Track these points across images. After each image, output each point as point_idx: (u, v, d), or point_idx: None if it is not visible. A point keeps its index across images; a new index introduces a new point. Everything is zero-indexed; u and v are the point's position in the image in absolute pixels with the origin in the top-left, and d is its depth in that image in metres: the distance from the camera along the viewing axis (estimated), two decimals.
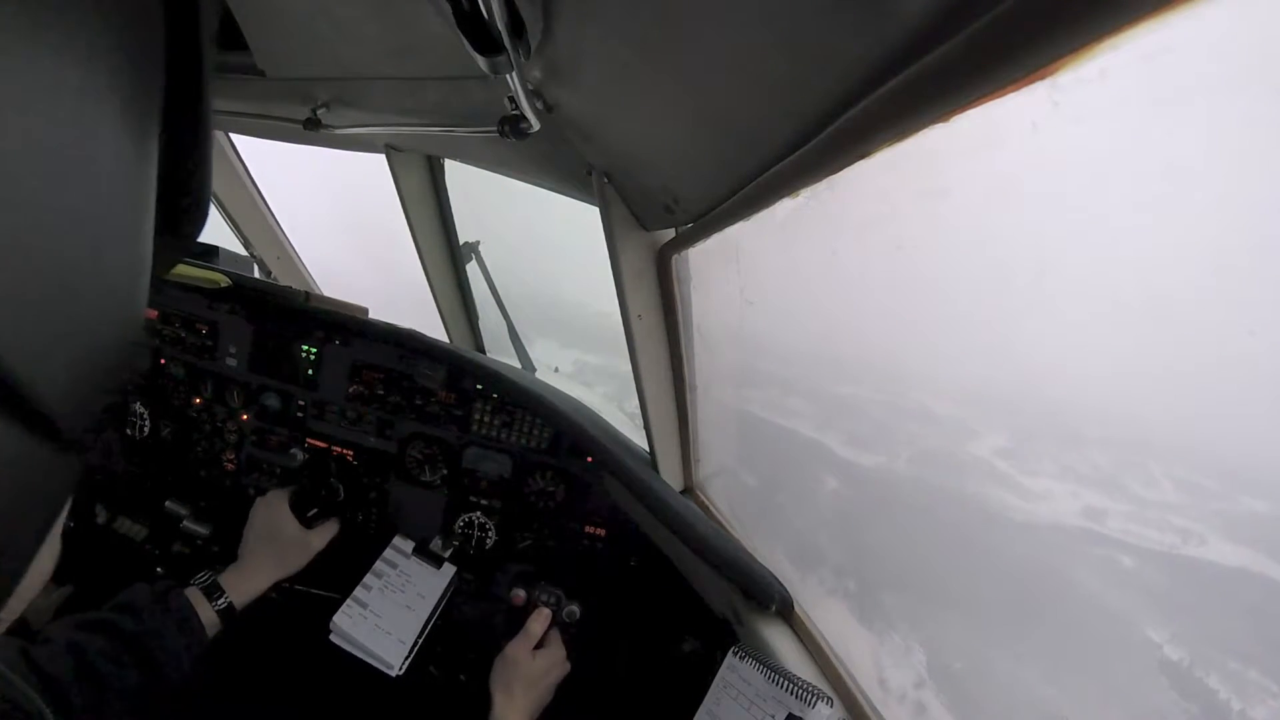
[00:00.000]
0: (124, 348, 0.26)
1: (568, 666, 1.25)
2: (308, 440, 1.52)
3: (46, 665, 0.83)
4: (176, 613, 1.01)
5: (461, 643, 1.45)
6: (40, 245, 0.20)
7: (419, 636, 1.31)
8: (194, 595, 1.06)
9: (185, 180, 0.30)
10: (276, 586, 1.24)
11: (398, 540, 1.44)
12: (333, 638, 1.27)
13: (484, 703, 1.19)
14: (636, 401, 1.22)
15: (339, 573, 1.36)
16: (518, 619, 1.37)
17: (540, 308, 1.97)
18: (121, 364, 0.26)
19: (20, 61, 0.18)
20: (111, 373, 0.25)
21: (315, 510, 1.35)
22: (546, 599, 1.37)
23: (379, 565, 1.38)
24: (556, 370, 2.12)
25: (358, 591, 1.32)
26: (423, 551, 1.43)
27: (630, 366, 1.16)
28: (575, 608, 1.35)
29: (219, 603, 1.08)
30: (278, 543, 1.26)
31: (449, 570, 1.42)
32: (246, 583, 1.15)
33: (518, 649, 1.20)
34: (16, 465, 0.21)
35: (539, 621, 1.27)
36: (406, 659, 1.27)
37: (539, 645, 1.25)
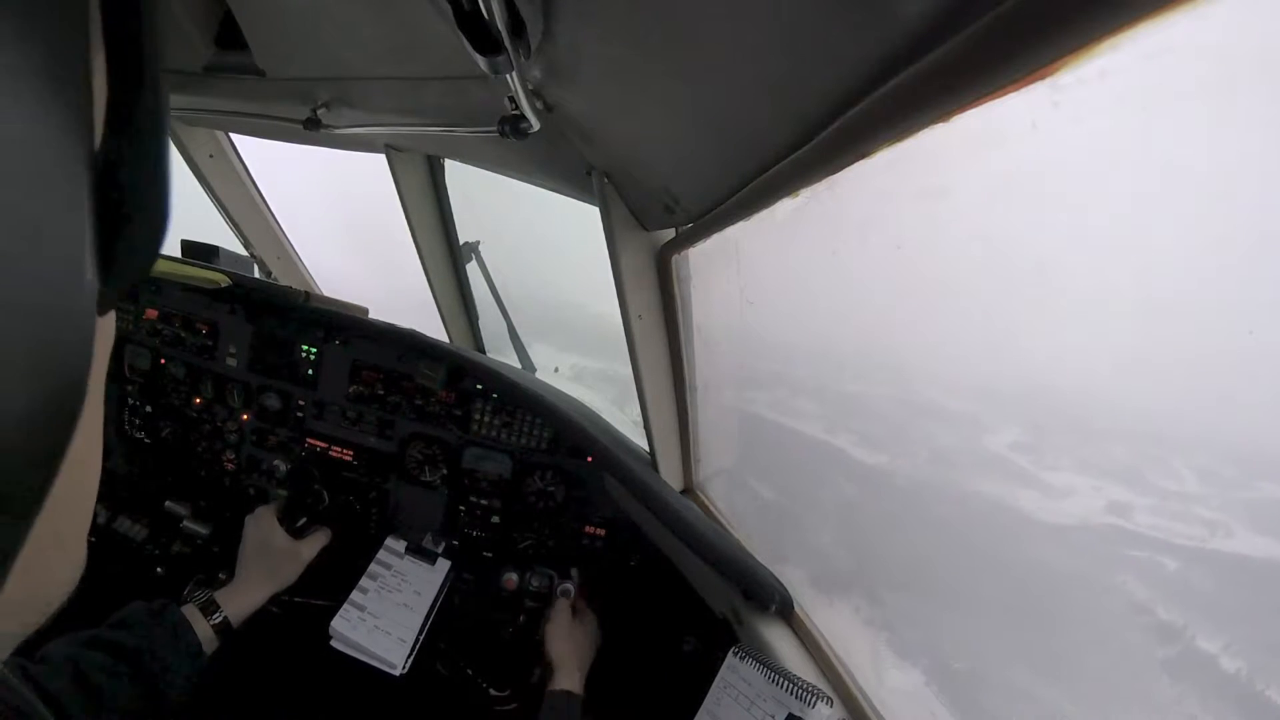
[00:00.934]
0: (58, 411, 0.22)
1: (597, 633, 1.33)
2: (307, 440, 1.52)
3: (45, 682, 0.83)
4: (173, 629, 1.01)
5: (465, 640, 1.46)
6: None
7: (419, 634, 1.31)
8: (190, 612, 1.06)
9: (128, 199, 0.25)
10: (275, 600, 1.24)
11: (390, 541, 1.44)
12: (333, 643, 1.27)
13: (488, 695, 1.26)
14: (637, 406, 1.22)
15: (335, 581, 1.36)
16: (514, 605, 1.38)
17: (537, 309, 1.96)
18: (57, 427, 0.23)
19: None
20: (41, 441, 0.22)
21: (304, 519, 1.35)
22: (539, 582, 1.38)
23: (373, 568, 1.38)
24: (556, 370, 2.13)
25: (354, 595, 1.32)
26: (416, 550, 1.43)
27: (630, 368, 1.16)
28: (570, 585, 1.36)
29: (215, 619, 1.08)
30: (269, 556, 1.26)
31: (444, 565, 1.42)
32: (242, 598, 1.15)
33: (560, 618, 1.31)
34: None
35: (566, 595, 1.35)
36: (409, 657, 1.27)
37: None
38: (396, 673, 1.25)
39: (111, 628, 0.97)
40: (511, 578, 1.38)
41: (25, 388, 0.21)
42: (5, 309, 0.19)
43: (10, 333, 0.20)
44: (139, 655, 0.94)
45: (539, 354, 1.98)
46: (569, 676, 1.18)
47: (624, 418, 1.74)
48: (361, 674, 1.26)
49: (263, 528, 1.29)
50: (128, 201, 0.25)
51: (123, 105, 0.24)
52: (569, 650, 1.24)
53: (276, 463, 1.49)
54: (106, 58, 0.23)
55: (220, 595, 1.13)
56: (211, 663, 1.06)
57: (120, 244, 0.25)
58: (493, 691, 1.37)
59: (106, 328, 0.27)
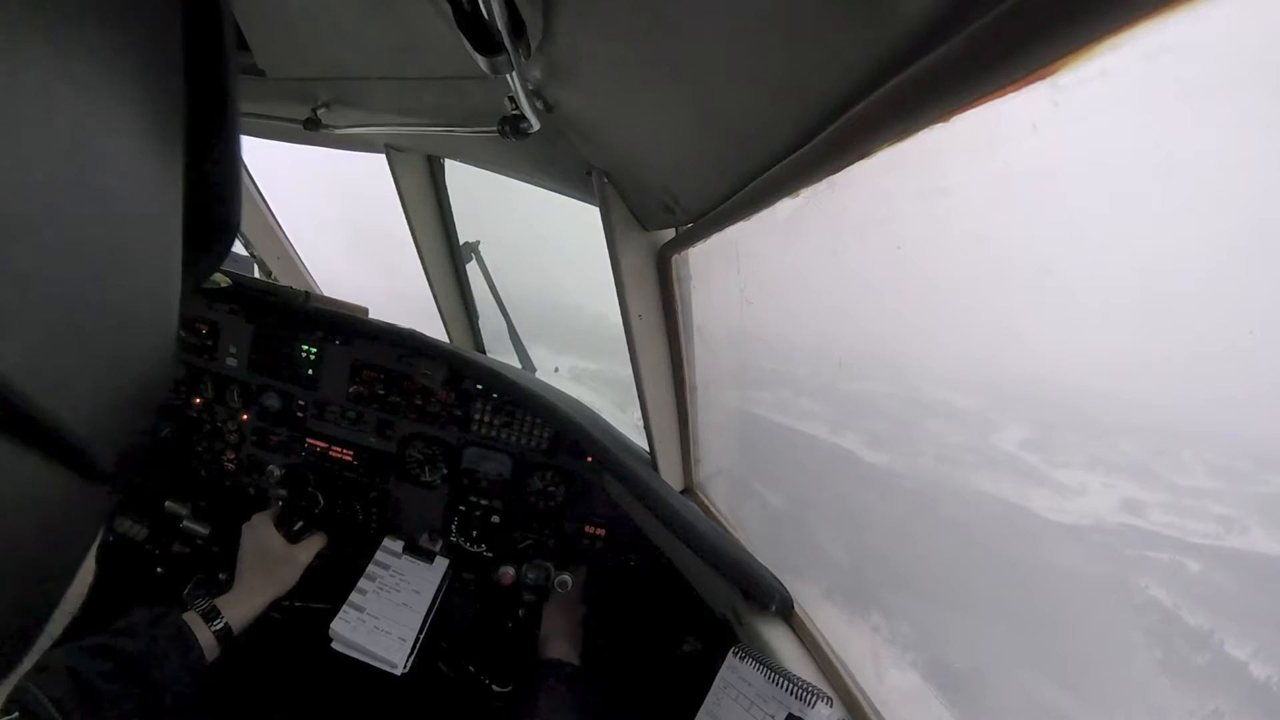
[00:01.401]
0: (156, 375, 0.25)
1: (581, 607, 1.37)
2: (307, 440, 1.52)
3: (47, 689, 0.83)
4: (174, 636, 1.01)
5: (466, 637, 1.46)
6: (66, 271, 0.19)
7: (419, 633, 1.31)
8: (191, 618, 1.07)
9: (212, 195, 0.28)
10: (275, 605, 1.24)
11: (387, 542, 1.44)
12: (334, 645, 1.27)
13: (490, 691, 1.30)
14: (636, 408, 1.22)
15: (335, 583, 1.36)
16: (512, 599, 1.38)
17: (534, 309, 1.96)
18: (153, 392, 0.25)
19: (31, 66, 0.17)
20: (143, 401, 0.25)
21: (300, 524, 1.36)
22: (535, 575, 1.38)
23: (371, 569, 1.39)
24: (556, 370, 2.12)
25: (353, 596, 1.32)
26: (413, 549, 1.44)
27: (630, 368, 1.16)
28: (567, 577, 1.36)
29: (216, 625, 1.09)
30: (267, 562, 1.27)
31: (442, 564, 1.42)
32: (242, 604, 1.16)
33: (557, 601, 1.36)
34: (48, 500, 0.20)
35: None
36: (410, 656, 1.27)
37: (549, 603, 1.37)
38: (398, 672, 1.25)
39: (112, 634, 0.98)
40: (508, 572, 1.38)
41: (132, 369, 0.23)
42: (122, 301, 0.22)
43: (124, 317, 0.22)
44: (140, 662, 0.94)
45: (536, 355, 1.98)
46: (558, 647, 1.21)
47: (624, 418, 1.74)
48: (363, 674, 1.26)
49: (259, 534, 1.30)
50: (210, 200, 0.28)
51: (204, 112, 0.26)
52: (561, 625, 1.28)
53: (271, 467, 1.49)
54: (186, 66, 0.25)
55: (221, 602, 1.14)
56: (213, 669, 1.06)
57: (200, 239, 0.27)
58: (495, 687, 1.37)
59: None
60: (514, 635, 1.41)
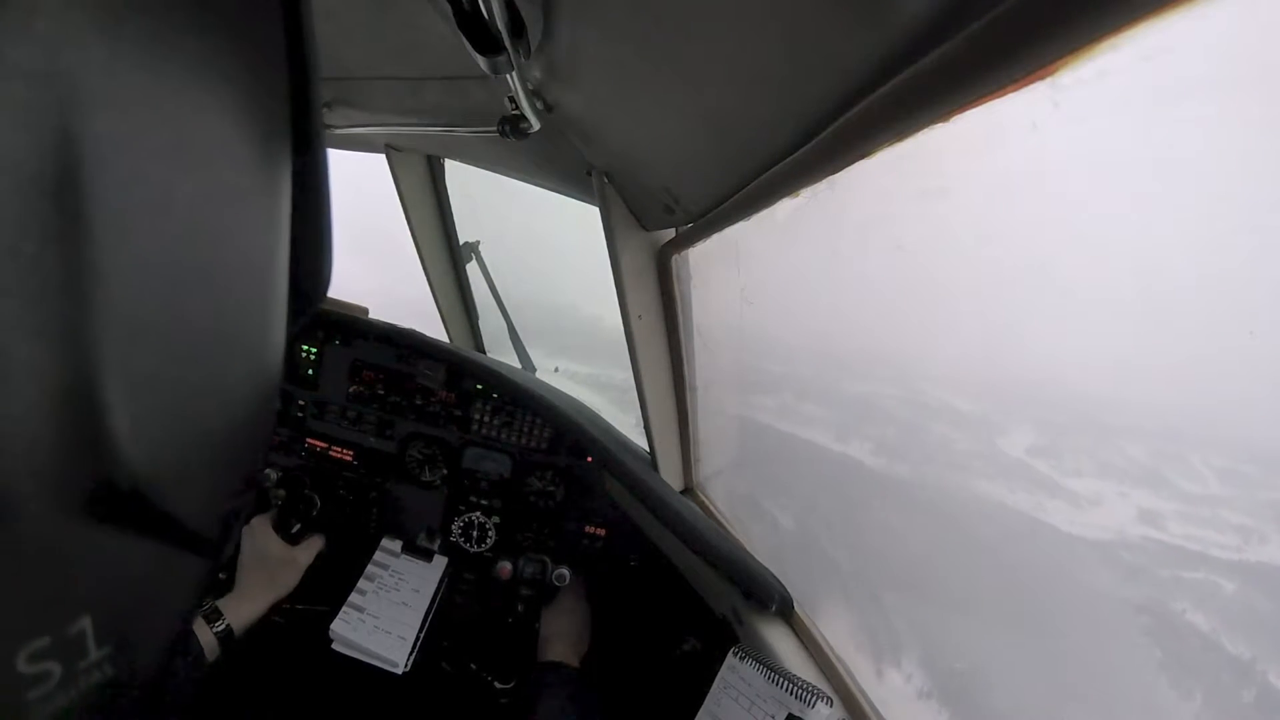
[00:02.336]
0: (260, 441, 0.24)
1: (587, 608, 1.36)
2: (307, 440, 1.52)
3: None
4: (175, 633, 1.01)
5: (467, 635, 1.46)
6: (186, 363, 0.19)
7: (420, 632, 1.31)
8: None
9: (308, 237, 0.26)
10: (276, 609, 1.25)
11: (386, 542, 1.45)
12: (334, 645, 1.27)
13: (493, 688, 1.29)
14: (631, 412, 1.22)
15: (335, 585, 1.36)
16: (510, 594, 1.38)
17: (530, 310, 1.95)
18: (257, 458, 0.25)
19: (148, 107, 0.17)
20: (249, 469, 0.24)
21: (298, 525, 1.36)
22: (533, 569, 1.38)
23: (370, 569, 1.39)
24: (556, 370, 2.12)
25: (353, 597, 1.33)
26: (412, 548, 1.44)
27: (624, 373, 1.16)
28: (565, 570, 1.36)
29: (218, 626, 1.09)
30: (267, 565, 1.27)
31: (440, 562, 1.43)
32: (243, 606, 1.17)
33: (557, 600, 1.35)
34: (151, 578, 0.21)
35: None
36: (410, 655, 1.27)
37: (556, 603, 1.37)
38: (399, 671, 1.25)
39: None
40: (505, 566, 1.39)
41: (253, 383, 0.23)
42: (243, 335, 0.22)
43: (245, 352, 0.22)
44: None
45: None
46: (555, 648, 1.21)
47: (625, 419, 1.74)
48: (364, 674, 1.26)
49: (259, 538, 1.31)
50: (309, 229, 0.27)
51: (301, 135, 0.25)
52: (561, 627, 1.28)
53: (268, 470, 1.49)
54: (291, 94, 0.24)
55: (222, 603, 1.14)
56: (214, 670, 1.06)
57: (304, 268, 0.27)
58: (497, 684, 1.37)
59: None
60: (514, 631, 1.42)
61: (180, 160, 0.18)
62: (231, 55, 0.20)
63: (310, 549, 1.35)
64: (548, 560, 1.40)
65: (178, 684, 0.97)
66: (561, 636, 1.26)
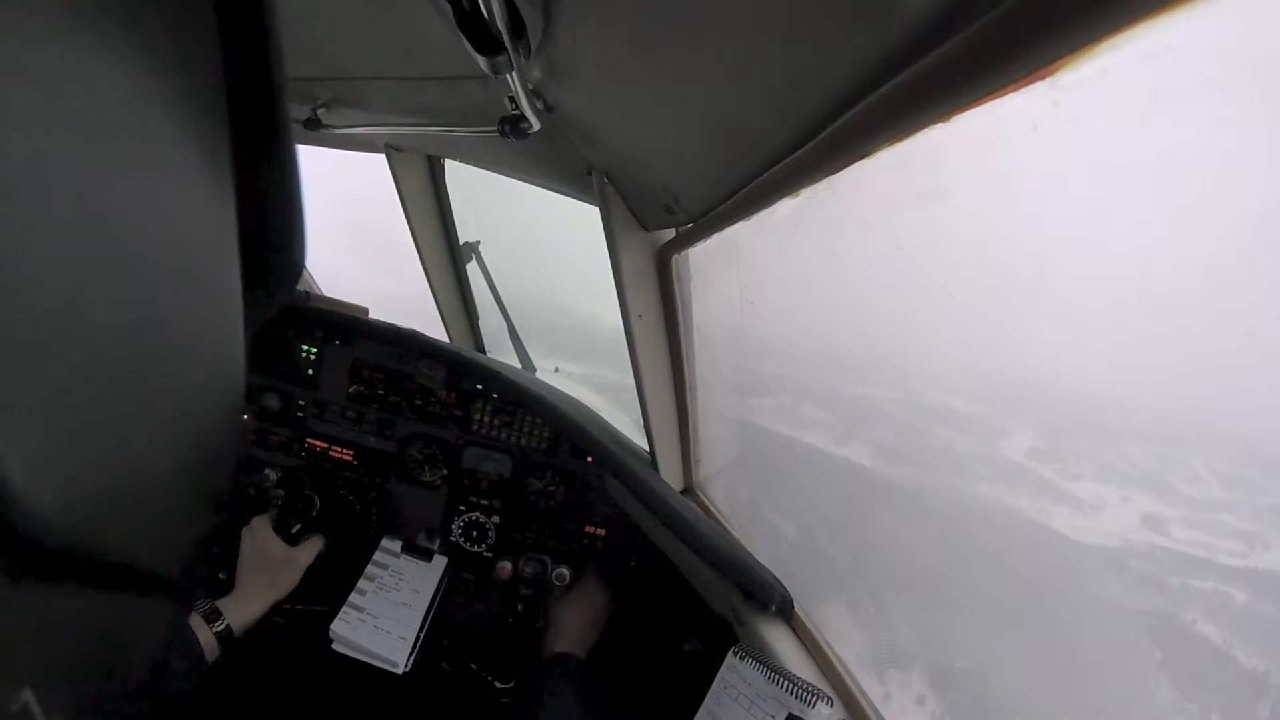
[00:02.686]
0: (222, 448, 0.22)
1: (602, 600, 1.34)
2: (308, 440, 1.52)
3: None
4: (175, 633, 1.01)
5: (467, 635, 1.46)
6: (128, 384, 0.16)
7: (420, 631, 1.31)
8: (193, 619, 1.07)
9: (268, 229, 0.24)
10: (276, 609, 1.24)
11: (385, 542, 1.45)
12: (335, 646, 1.27)
13: (493, 688, 1.29)
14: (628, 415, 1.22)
15: (335, 586, 1.36)
16: (510, 594, 1.38)
17: (528, 309, 1.94)
18: (218, 471, 0.23)
19: (67, 89, 0.15)
20: (208, 502, 0.22)
21: (298, 526, 1.36)
22: (533, 569, 1.38)
23: (370, 569, 1.39)
24: (557, 370, 2.12)
25: (353, 597, 1.33)
26: (411, 548, 1.44)
27: (619, 372, 1.16)
28: (565, 570, 1.36)
29: (218, 626, 1.09)
30: (267, 565, 1.27)
31: (440, 561, 1.43)
32: (244, 607, 1.17)
33: (576, 590, 1.34)
34: (107, 629, 0.19)
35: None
36: (410, 655, 1.27)
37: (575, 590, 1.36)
38: (399, 671, 1.25)
39: None
40: (505, 565, 1.39)
41: (206, 395, 0.20)
42: (186, 352, 0.19)
43: (187, 368, 0.19)
44: None
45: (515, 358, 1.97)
46: (564, 637, 1.21)
47: (626, 418, 1.73)
48: (365, 675, 1.26)
49: (258, 538, 1.31)
50: (269, 215, 0.24)
51: (253, 122, 0.23)
52: (575, 617, 1.27)
53: (268, 471, 1.50)
54: (229, 75, 0.22)
55: (222, 603, 1.14)
56: (214, 671, 1.06)
57: (265, 258, 0.24)
58: (497, 684, 1.37)
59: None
60: (514, 630, 1.42)
61: (68, 133, 0.15)
62: (142, 27, 0.18)
63: (310, 549, 1.35)
64: (548, 560, 1.40)
65: (177, 685, 0.97)
66: (573, 625, 1.26)
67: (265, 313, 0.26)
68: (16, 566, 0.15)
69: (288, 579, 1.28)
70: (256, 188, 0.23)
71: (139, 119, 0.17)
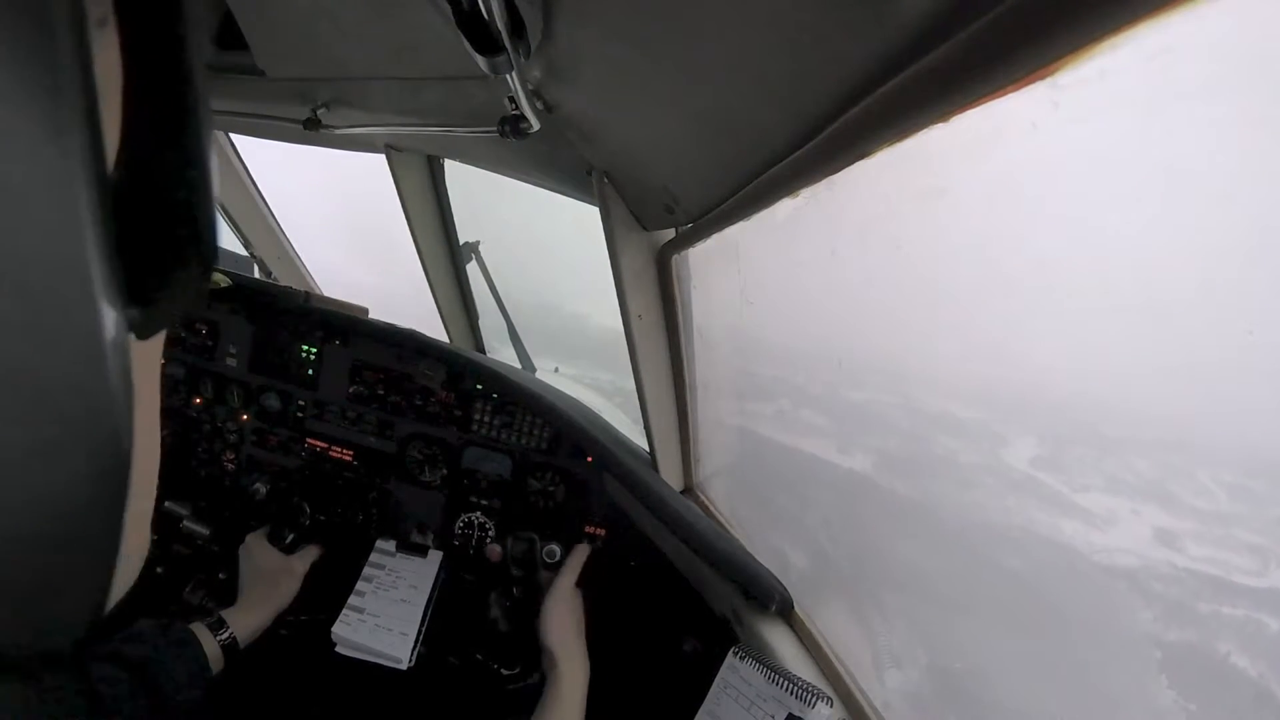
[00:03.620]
0: (107, 492, 0.19)
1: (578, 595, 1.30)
2: (307, 440, 1.52)
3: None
4: (180, 642, 1.02)
5: (469, 626, 1.46)
6: None
7: (421, 626, 1.32)
8: (198, 629, 1.08)
9: (172, 216, 0.21)
10: (280, 622, 1.25)
11: (380, 543, 1.45)
12: (338, 648, 1.27)
13: (500, 675, 1.31)
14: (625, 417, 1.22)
15: (335, 593, 1.37)
16: (503, 575, 1.38)
17: (528, 309, 1.94)
18: (109, 517, 0.20)
19: None
20: (94, 543, 0.19)
21: (292, 535, 1.38)
22: (523, 548, 1.38)
23: (367, 570, 1.40)
24: (557, 370, 2.12)
25: (351, 599, 1.33)
26: (406, 546, 1.45)
27: (615, 373, 1.16)
28: (555, 546, 1.36)
29: (222, 636, 1.09)
30: (266, 577, 1.28)
31: (436, 556, 1.43)
32: (247, 617, 1.17)
33: (552, 606, 1.25)
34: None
35: (576, 558, 1.32)
36: (414, 650, 1.28)
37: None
38: (404, 667, 1.26)
39: (118, 640, 0.98)
40: (495, 548, 1.39)
41: (70, 432, 0.17)
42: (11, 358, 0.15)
43: (29, 380, 0.15)
44: (145, 666, 0.94)
45: (515, 358, 1.97)
46: (569, 659, 1.18)
47: (624, 419, 1.73)
48: (370, 674, 1.27)
49: (255, 553, 1.32)
50: (160, 213, 0.21)
51: (147, 98, 0.19)
52: (566, 634, 1.22)
53: (257, 485, 1.50)
54: (121, 38, 0.18)
55: (227, 614, 1.15)
56: (218, 680, 1.06)
57: (156, 261, 0.21)
58: (503, 671, 1.37)
59: (150, 352, 0.24)
60: (514, 613, 1.42)
61: None
62: None
63: (306, 558, 1.37)
64: (535, 538, 1.40)
65: (184, 695, 0.97)
66: (569, 644, 1.21)
67: (163, 323, 0.23)
68: None
69: (288, 588, 1.29)
70: (153, 180, 0.20)
71: None
